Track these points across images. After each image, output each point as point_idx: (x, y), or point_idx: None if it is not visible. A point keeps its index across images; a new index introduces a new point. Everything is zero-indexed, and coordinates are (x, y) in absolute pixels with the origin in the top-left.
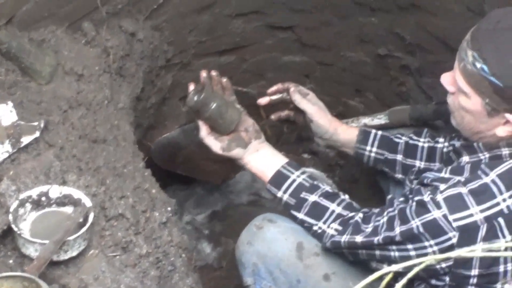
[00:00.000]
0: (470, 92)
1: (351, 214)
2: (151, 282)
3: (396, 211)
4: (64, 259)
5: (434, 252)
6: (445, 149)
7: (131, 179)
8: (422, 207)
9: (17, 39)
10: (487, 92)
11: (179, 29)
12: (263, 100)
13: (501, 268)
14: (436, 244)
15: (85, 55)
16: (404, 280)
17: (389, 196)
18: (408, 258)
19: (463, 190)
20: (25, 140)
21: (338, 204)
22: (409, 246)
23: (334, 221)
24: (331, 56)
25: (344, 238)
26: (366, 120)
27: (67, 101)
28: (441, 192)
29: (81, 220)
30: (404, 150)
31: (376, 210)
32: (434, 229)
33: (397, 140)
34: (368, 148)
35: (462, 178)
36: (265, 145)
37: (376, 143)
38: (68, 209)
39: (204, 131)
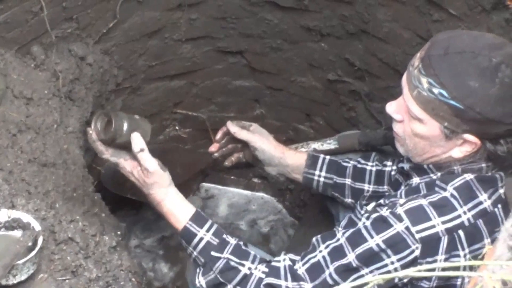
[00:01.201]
0: (426, 118)
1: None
2: None
3: (342, 239)
4: (13, 283)
5: (395, 269)
6: (393, 172)
7: (81, 203)
8: (382, 223)
9: None
10: (446, 115)
11: (129, 53)
12: (213, 148)
13: (459, 281)
14: (399, 260)
15: (34, 78)
16: None
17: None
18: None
19: (424, 202)
20: None
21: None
22: (364, 271)
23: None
24: (281, 81)
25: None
26: (316, 145)
27: (16, 124)
28: (401, 205)
29: (30, 244)
30: (353, 174)
31: (298, 257)
32: (397, 244)
33: (345, 164)
34: (317, 172)
35: (420, 195)
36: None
37: (324, 167)
38: (17, 233)
39: (129, 166)
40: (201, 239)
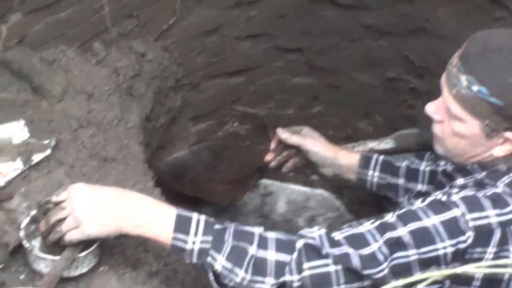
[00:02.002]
0: (466, 116)
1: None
2: None
3: (393, 218)
4: (74, 275)
5: (445, 255)
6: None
7: None
8: (439, 205)
9: (28, 58)
10: (486, 113)
11: (188, 50)
12: (269, 157)
13: (506, 275)
14: (452, 245)
15: (95, 75)
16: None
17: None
18: (407, 266)
19: (478, 194)
20: (36, 157)
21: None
22: (410, 252)
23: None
24: (339, 78)
25: (328, 250)
26: (373, 144)
27: (77, 120)
28: (456, 193)
29: None
30: (406, 173)
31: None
32: (454, 229)
33: (398, 164)
34: (370, 172)
35: (472, 189)
36: None
37: (378, 167)
38: None
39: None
40: (199, 220)
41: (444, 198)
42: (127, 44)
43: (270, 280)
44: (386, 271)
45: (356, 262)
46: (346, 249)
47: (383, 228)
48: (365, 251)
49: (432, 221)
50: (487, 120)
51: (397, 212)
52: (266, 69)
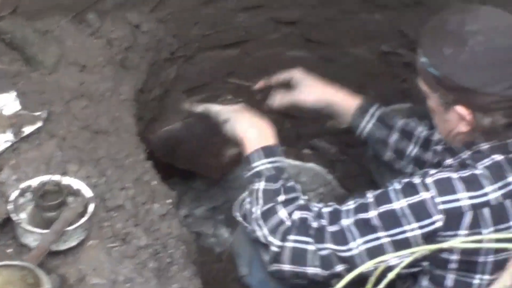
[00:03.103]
0: (427, 90)
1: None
2: (149, 274)
3: (371, 198)
4: (63, 249)
5: (415, 237)
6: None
7: (132, 170)
8: (411, 188)
9: (21, 29)
10: (434, 85)
11: (184, 22)
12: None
13: (481, 259)
14: (420, 227)
15: (89, 46)
16: (397, 270)
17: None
18: (380, 248)
19: (454, 175)
20: (27, 130)
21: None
22: (381, 234)
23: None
24: (334, 52)
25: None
26: None
27: (70, 91)
28: (431, 175)
29: (81, 210)
30: (402, 129)
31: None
32: (420, 211)
33: (396, 119)
34: (367, 118)
35: (452, 169)
36: None
37: (377, 113)
38: (68, 200)
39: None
40: (281, 163)
41: (418, 181)
42: (122, 15)
43: (265, 232)
44: (356, 251)
45: (327, 236)
46: (323, 222)
47: (359, 209)
48: (335, 227)
49: (400, 204)
50: (437, 93)
51: (376, 192)
52: (261, 41)
